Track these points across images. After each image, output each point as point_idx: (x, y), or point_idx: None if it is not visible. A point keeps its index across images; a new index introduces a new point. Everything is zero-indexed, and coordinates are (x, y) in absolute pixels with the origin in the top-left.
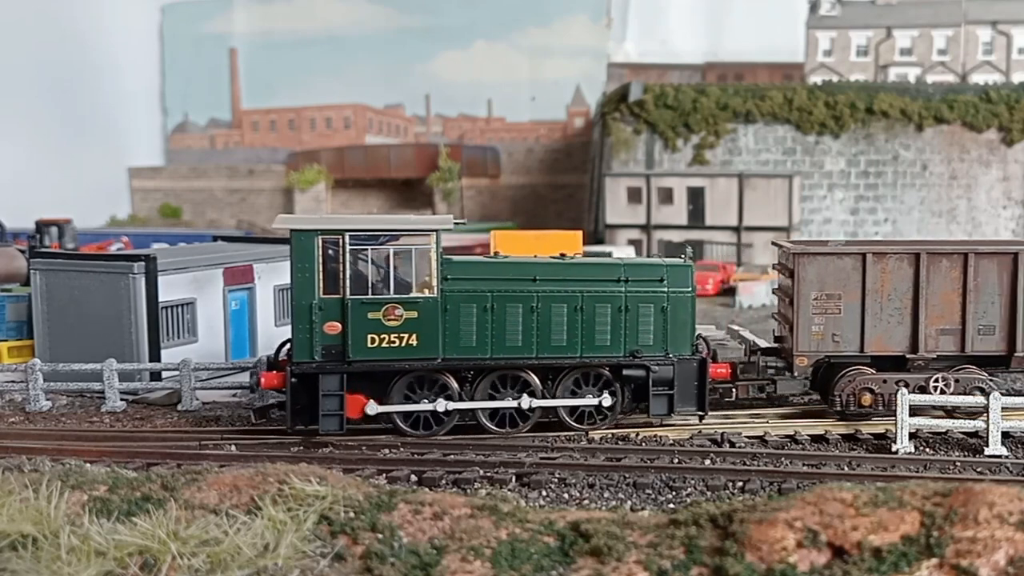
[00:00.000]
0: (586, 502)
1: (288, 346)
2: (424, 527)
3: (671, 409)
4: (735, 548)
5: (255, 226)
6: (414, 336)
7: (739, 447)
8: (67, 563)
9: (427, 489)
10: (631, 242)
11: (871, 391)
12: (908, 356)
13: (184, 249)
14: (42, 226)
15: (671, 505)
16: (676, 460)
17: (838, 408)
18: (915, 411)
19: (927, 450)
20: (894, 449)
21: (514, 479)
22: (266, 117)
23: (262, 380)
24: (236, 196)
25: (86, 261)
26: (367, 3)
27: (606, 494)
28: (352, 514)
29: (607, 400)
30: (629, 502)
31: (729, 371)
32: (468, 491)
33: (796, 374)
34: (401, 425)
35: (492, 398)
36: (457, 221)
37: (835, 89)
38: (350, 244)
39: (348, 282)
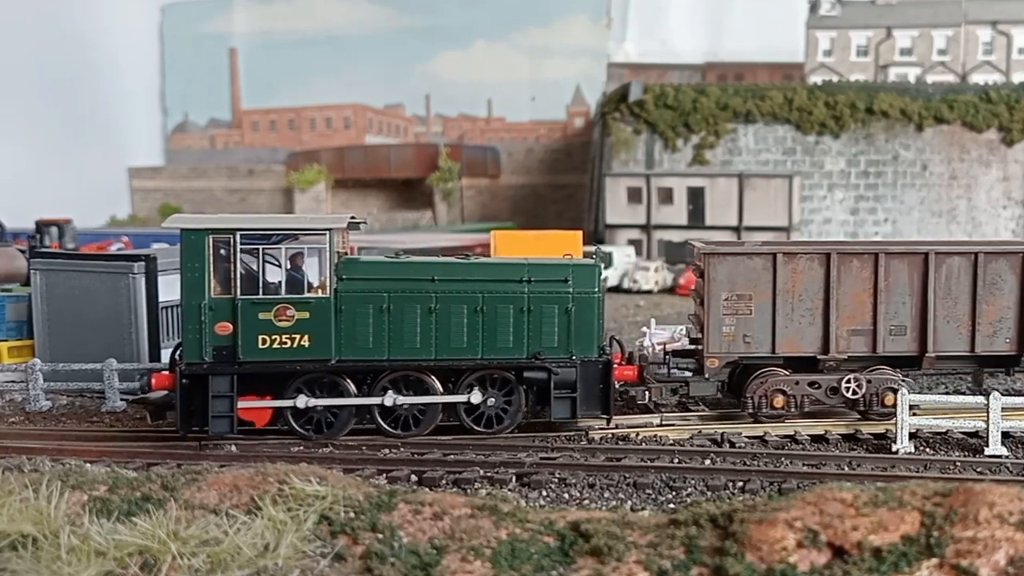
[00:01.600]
0: (586, 502)
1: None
2: (424, 527)
3: (574, 413)
4: (735, 548)
5: None
6: (306, 337)
7: (739, 447)
8: (67, 563)
9: (427, 489)
10: (631, 242)
11: (783, 392)
12: (819, 357)
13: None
14: (42, 226)
15: (671, 505)
16: (676, 460)
17: (750, 410)
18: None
19: (927, 450)
20: (894, 449)
21: (514, 479)
22: (266, 117)
23: (153, 382)
24: (236, 196)
25: (86, 261)
26: (367, 3)
27: (606, 494)
28: (352, 514)
29: (475, 397)
30: (629, 502)
31: (636, 373)
32: (468, 491)
33: (707, 375)
34: (295, 426)
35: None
36: (355, 220)
37: (835, 89)
38: (241, 244)
39: (239, 282)
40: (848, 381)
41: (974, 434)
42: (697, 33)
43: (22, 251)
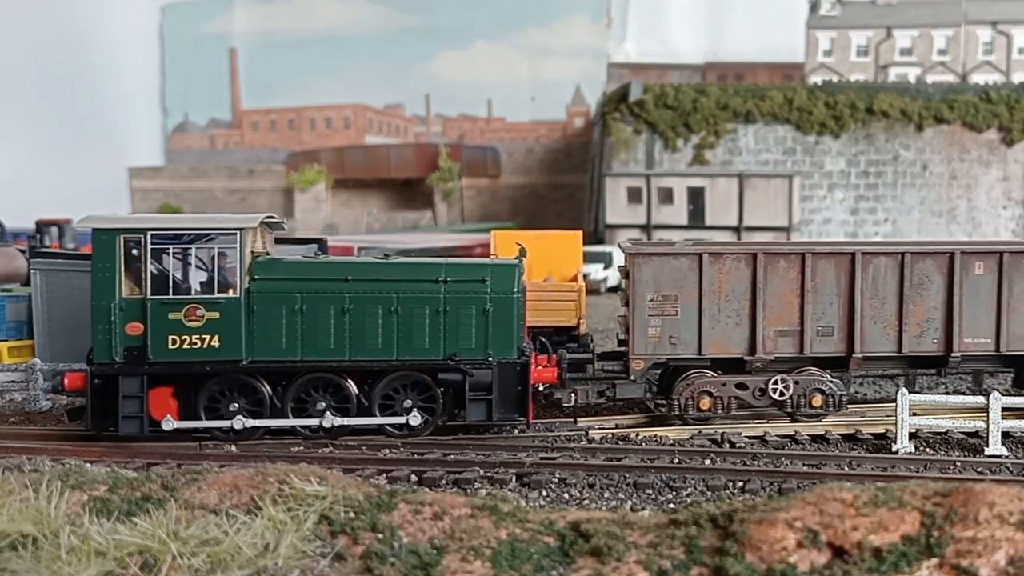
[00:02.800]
0: (586, 502)
1: None
2: (424, 527)
3: (490, 415)
4: (735, 548)
5: None
6: (216, 337)
7: (739, 447)
8: (67, 563)
9: (427, 489)
10: (631, 242)
11: (710, 394)
12: (746, 358)
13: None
14: (42, 226)
15: (671, 505)
16: (676, 460)
17: (677, 412)
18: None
19: (927, 450)
20: (894, 449)
21: (514, 479)
22: (266, 117)
23: (65, 382)
24: (236, 196)
25: (86, 261)
26: (367, 3)
27: (606, 494)
28: (352, 514)
29: (415, 420)
30: (629, 502)
31: (556, 375)
32: (468, 491)
33: (632, 377)
34: (211, 427)
35: (304, 403)
36: (272, 220)
37: (835, 89)
38: (152, 243)
39: (149, 282)
40: (776, 382)
41: (974, 434)
42: (697, 33)
43: (22, 251)
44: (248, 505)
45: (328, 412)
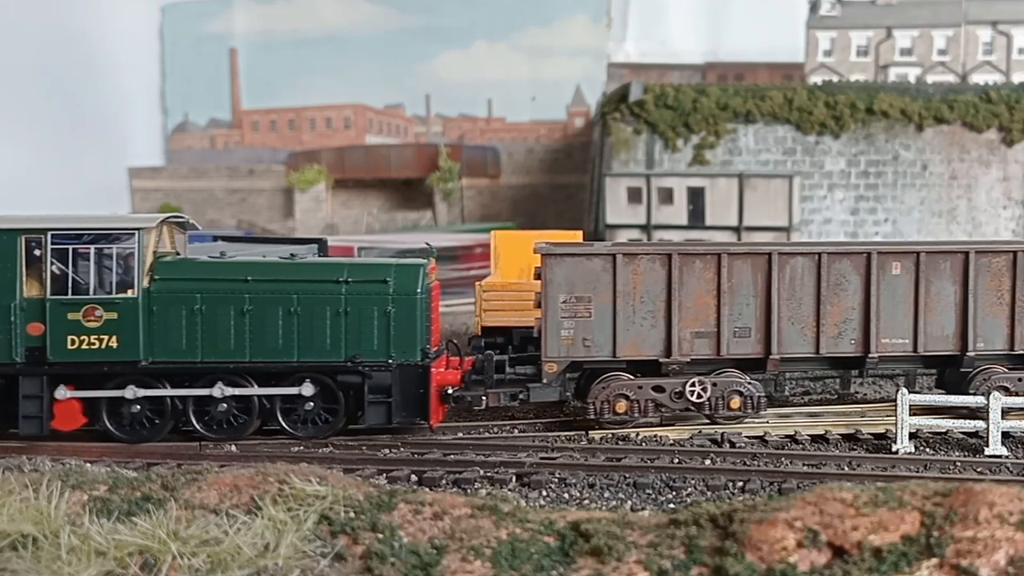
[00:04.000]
0: (586, 502)
1: None
2: (424, 527)
3: (389, 418)
4: (735, 548)
5: (255, 226)
6: (114, 338)
7: (739, 447)
8: (67, 563)
9: (427, 489)
10: (631, 242)
11: (626, 397)
12: (661, 360)
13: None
14: None
15: (671, 505)
16: (676, 460)
17: (593, 416)
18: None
19: (927, 450)
20: (894, 449)
21: (514, 479)
22: (266, 117)
23: None
24: (236, 196)
25: None
26: (367, 3)
27: (606, 494)
28: (352, 514)
29: (308, 389)
30: (629, 502)
31: (459, 378)
32: (468, 491)
33: (545, 380)
34: (110, 428)
35: (206, 404)
36: (178, 219)
37: (835, 89)
38: (53, 244)
39: (50, 282)
40: (693, 384)
41: (974, 434)
42: (697, 33)
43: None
44: (248, 505)
45: (231, 414)
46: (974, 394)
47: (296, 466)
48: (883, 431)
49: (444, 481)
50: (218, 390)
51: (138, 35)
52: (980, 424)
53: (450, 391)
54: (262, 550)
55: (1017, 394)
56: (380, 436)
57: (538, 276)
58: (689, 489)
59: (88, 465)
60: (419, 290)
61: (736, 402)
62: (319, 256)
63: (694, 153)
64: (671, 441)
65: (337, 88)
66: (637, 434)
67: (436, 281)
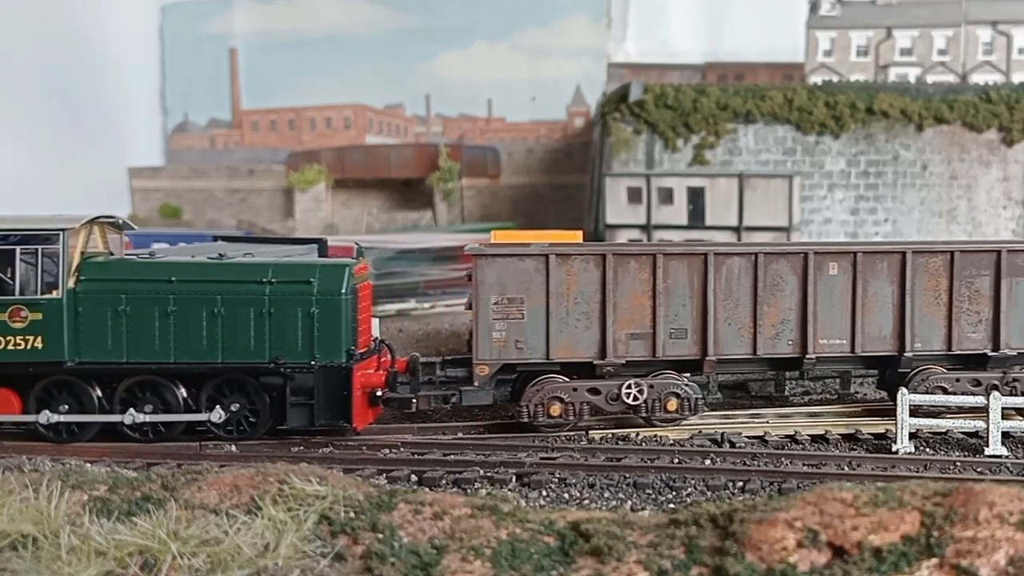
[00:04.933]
0: (586, 502)
1: None
2: (424, 527)
3: (311, 420)
4: (735, 548)
5: (255, 226)
6: (40, 339)
7: (739, 447)
8: (67, 563)
9: (427, 489)
10: (631, 242)
11: (561, 400)
12: (596, 362)
13: (184, 249)
14: None
15: (671, 505)
16: (676, 460)
17: (526, 419)
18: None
19: (927, 450)
20: (894, 449)
21: (514, 479)
22: (266, 117)
23: None
24: (236, 196)
25: None
26: (367, 3)
27: (606, 494)
28: (352, 514)
29: (216, 416)
30: (629, 502)
31: (383, 380)
32: (468, 491)
33: (477, 383)
34: (41, 430)
35: (132, 405)
36: (109, 219)
37: (835, 89)
38: None
39: None
40: (629, 387)
41: (974, 434)
42: (697, 33)
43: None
44: (248, 505)
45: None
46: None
47: (296, 466)
48: (883, 431)
49: (444, 481)
50: (128, 416)
51: (138, 35)
52: (980, 424)
53: (379, 393)
54: (262, 550)
55: (954, 394)
56: (380, 436)
57: (470, 278)
58: (689, 489)
59: (88, 465)
60: (344, 291)
61: (673, 404)
62: (319, 257)
63: (694, 153)
64: (671, 441)
65: (337, 88)
66: (637, 434)
67: (367, 282)
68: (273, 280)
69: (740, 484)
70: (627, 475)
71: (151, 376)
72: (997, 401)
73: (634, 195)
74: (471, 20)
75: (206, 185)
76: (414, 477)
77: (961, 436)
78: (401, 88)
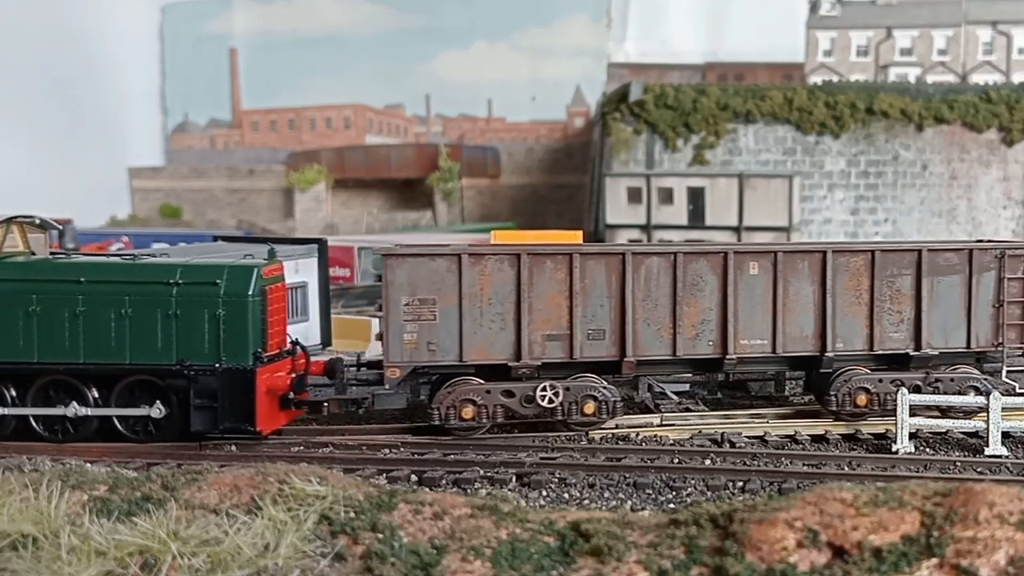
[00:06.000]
0: (586, 502)
1: None
2: (424, 527)
3: (215, 424)
4: (735, 548)
5: (255, 226)
6: None
7: (739, 447)
8: (67, 563)
9: (427, 489)
10: (631, 242)
11: (473, 403)
12: (511, 364)
13: (184, 249)
14: None
15: (671, 505)
16: (676, 460)
17: (438, 422)
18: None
19: (927, 450)
20: (894, 449)
21: (514, 479)
22: (266, 117)
23: None
24: (236, 196)
25: None
26: (367, 3)
27: (606, 494)
28: (352, 514)
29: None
30: (629, 502)
31: (289, 383)
32: (468, 491)
33: (388, 386)
34: None
35: (47, 404)
36: (26, 219)
37: (835, 89)
38: None
39: None
40: (544, 389)
41: (974, 434)
42: (697, 33)
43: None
44: (248, 505)
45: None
46: (834, 395)
47: (296, 466)
48: (883, 431)
49: (444, 481)
50: (72, 409)
51: (138, 35)
52: (980, 424)
53: (291, 396)
54: (262, 550)
55: (877, 395)
56: (380, 436)
57: (379, 278)
58: (689, 489)
59: (88, 465)
60: (251, 293)
61: (590, 407)
62: (317, 257)
63: (694, 153)
64: (671, 441)
65: (337, 88)
66: (637, 434)
67: (281, 283)
68: (180, 281)
69: (740, 484)
70: (627, 475)
71: (61, 376)
72: (997, 401)
73: (634, 195)
74: (471, 20)
75: (206, 185)
76: (414, 477)
77: (961, 436)
78: (401, 88)
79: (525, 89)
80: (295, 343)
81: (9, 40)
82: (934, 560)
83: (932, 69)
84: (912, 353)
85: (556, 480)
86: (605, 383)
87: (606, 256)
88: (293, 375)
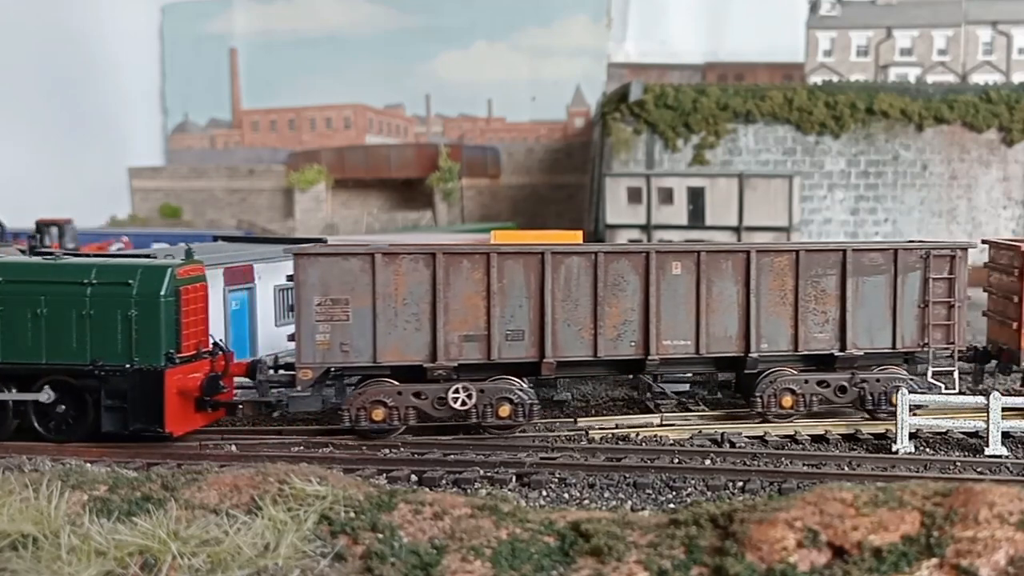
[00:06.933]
0: (586, 502)
1: None
2: (424, 527)
3: (125, 424)
4: (735, 548)
5: (255, 226)
6: None
7: (739, 447)
8: (67, 563)
9: (427, 489)
10: (631, 242)
11: (384, 404)
12: (426, 366)
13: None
14: (42, 226)
15: (671, 505)
16: (676, 460)
17: (348, 424)
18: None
19: (927, 450)
20: (894, 449)
21: (514, 479)
22: (266, 117)
23: None
24: (236, 196)
25: None
26: (367, 3)
27: (606, 494)
28: (352, 514)
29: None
30: (629, 502)
31: (197, 384)
32: (468, 491)
33: (300, 388)
34: None
35: None
36: None
37: (835, 89)
38: None
39: None
40: (456, 391)
41: (974, 434)
42: (697, 33)
43: (22, 251)
44: (248, 505)
45: None
46: (759, 397)
47: (296, 466)
48: (883, 431)
49: (444, 481)
50: None
51: (138, 35)
52: (980, 424)
53: (207, 398)
54: (262, 550)
55: (802, 396)
56: (380, 436)
57: (290, 278)
58: (689, 489)
59: (88, 465)
60: (163, 293)
61: (506, 410)
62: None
63: (694, 153)
64: (671, 441)
65: (337, 88)
66: (637, 434)
67: (201, 283)
68: (95, 281)
69: (740, 484)
70: (627, 475)
71: None
72: (997, 401)
73: (634, 195)
74: (471, 20)
75: (206, 185)
76: (414, 477)
77: (961, 436)
78: (401, 88)
79: (525, 89)
80: (216, 344)
81: (9, 40)
82: (934, 560)
83: (932, 69)
84: (837, 353)
85: (556, 480)
86: (522, 385)
87: (524, 255)
88: (203, 376)
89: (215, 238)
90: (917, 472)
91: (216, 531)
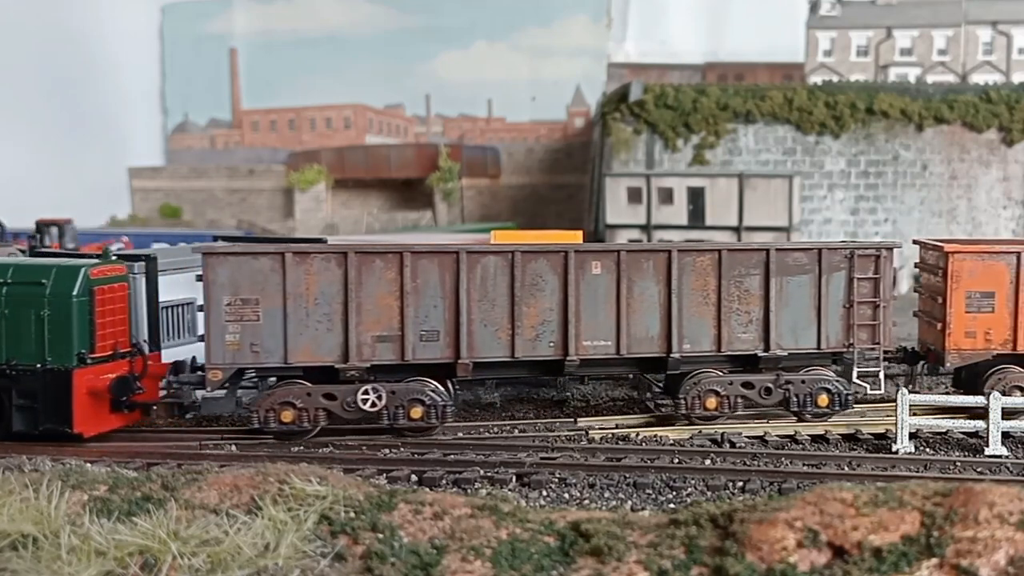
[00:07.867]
0: (586, 502)
1: None
2: (424, 527)
3: (36, 424)
4: (735, 548)
5: (255, 226)
6: None
7: (739, 447)
8: (67, 563)
9: (427, 489)
10: (631, 243)
11: (293, 406)
12: (338, 367)
13: (185, 249)
14: (42, 226)
15: (671, 505)
16: (676, 460)
17: (257, 425)
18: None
19: (927, 450)
20: (894, 449)
21: (514, 479)
22: (266, 117)
23: None
24: (236, 196)
25: None
26: (367, 3)
27: (606, 494)
28: (352, 514)
29: None
30: (629, 502)
31: (106, 385)
32: (468, 491)
33: (210, 389)
34: None
35: None
36: None
37: (835, 89)
38: None
39: None
40: (365, 392)
41: (974, 434)
42: (697, 33)
43: (22, 251)
44: (248, 505)
45: None
46: (683, 398)
47: (296, 466)
48: (883, 431)
49: (444, 481)
50: None
51: (138, 35)
52: (980, 424)
53: (123, 399)
54: (262, 550)
55: (727, 397)
56: (380, 436)
57: (199, 278)
58: (689, 489)
59: (88, 465)
60: (75, 293)
61: (418, 412)
62: None
63: (694, 153)
64: (671, 441)
65: (337, 88)
66: (637, 434)
67: (121, 283)
68: (10, 281)
69: (740, 484)
70: (627, 475)
71: None
72: (997, 401)
73: (634, 195)
74: (471, 20)
75: (206, 185)
76: (414, 477)
77: (961, 436)
78: (401, 88)
79: (525, 89)
80: (135, 344)
81: (9, 40)
82: (934, 560)
83: (932, 69)
84: (761, 354)
85: (556, 480)
86: (435, 386)
87: (439, 255)
88: (114, 377)
89: (215, 238)
90: (917, 472)
91: (216, 531)
